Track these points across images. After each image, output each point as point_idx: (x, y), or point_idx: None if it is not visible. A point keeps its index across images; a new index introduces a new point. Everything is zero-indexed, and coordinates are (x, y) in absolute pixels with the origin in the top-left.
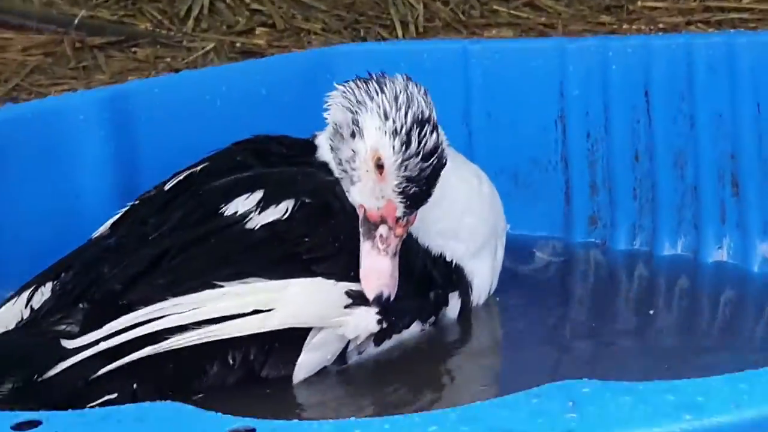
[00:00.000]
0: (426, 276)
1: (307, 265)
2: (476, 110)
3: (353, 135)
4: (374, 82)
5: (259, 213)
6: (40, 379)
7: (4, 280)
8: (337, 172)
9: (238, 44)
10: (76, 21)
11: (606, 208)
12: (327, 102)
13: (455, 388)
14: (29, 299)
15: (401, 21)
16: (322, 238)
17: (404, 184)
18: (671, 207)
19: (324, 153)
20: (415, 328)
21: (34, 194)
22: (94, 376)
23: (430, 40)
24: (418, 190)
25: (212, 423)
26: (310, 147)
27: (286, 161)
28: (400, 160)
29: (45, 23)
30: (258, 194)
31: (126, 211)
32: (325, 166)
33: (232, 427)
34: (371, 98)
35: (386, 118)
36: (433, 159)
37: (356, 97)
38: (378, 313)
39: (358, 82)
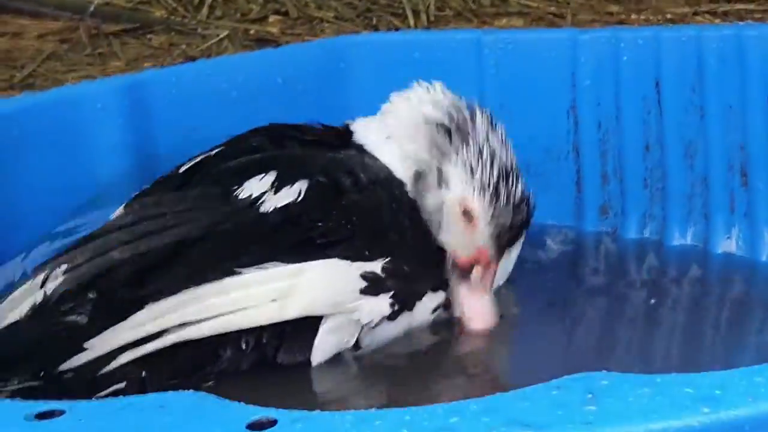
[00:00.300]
0: (439, 253)
1: (322, 248)
2: (489, 100)
3: (440, 184)
4: (457, 132)
5: (274, 193)
6: (52, 373)
7: (24, 267)
8: (424, 215)
9: (252, 32)
10: (91, 8)
11: (617, 197)
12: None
13: (469, 377)
14: (43, 282)
15: (413, 10)
16: (335, 220)
17: (496, 235)
18: (681, 196)
19: (361, 137)
20: (427, 308)
21: (52, 183)
22: (109, 368)
23: (444, 31)
24: (510, 236)
25: (234, 413)
26: (338, 134)
27: (301, 146)
28: (490, 214)
29: (60, 10)
30: (271, 175)
31: (140, 194)
32: (360, 148)
33: (255, 417)
34: (457, 153)
35: (473, 173)
36: (522, 207)
37: (441, 147)
38: (391, 297)
39: (440, 126)
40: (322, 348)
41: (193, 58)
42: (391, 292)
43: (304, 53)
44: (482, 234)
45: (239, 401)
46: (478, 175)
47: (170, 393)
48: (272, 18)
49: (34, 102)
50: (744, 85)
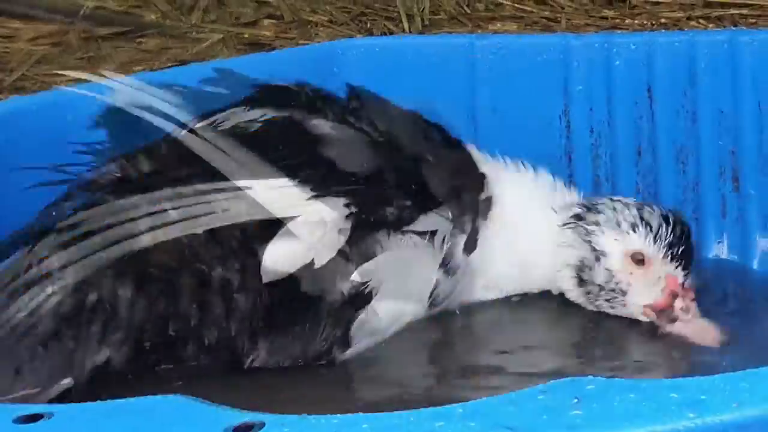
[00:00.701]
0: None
1: None
2: (482, 105)
3: (598, 259)
4: (589, 214)
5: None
6: None
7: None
8: (604, 306)
9: (245, 35)
10: (83, 11)
11: None
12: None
13: (459, 380)
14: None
15: (407, 14)
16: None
17: (672, 251)
18: (673, 201)
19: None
20: (416, 305)
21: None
22: None
23: (437, 35)
24: (685, 246)
25: (221, 417)
26: None
27: None
28: (652, 237)
29: (53, 13)
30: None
31: None
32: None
33: (241, 420)
34: (597, 224)
35: (618, 224)
36: (670, 217)
37: (583, 233)
38: (345, 204)
39: (574, 223)
40: (280, 255)
41: (185, 62)
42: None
43: (297, 57)
44: (660, 264)
45: (224, 405)
46: (621, 220)
47: (154, 398)
48: (266, 22)
49: (24, 104)
50: (735, 91)
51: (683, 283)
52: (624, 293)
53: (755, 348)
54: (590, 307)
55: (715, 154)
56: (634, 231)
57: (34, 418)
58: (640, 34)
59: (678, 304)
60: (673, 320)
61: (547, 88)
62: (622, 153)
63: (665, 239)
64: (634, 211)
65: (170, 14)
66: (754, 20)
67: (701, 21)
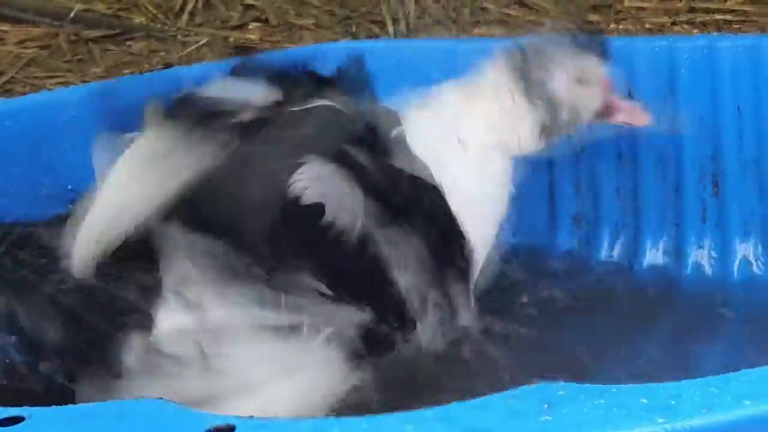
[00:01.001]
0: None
1: None
2: None
3: (555, 101)
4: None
5: None
6: None
7: None
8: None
9: (231, 39)
10: (71, 14)
11: (589, 207)
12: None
13: (435, 386)
14: None
15: (392, 18)
16: None
17: (597, 53)
18: (653, 206)
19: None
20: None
21: (29, 190)
22: None
23: (421, 39)
24: (601, 40)
25: (194, 420)
26: None
27: None
28: (582, 56)
29: (41, 16)
30: None
31: None
32: None
33: (213, 424)
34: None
35: (557, 66)
36: (581, 29)
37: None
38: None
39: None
40: None
41: (172, 65)
42: None
43: (282, 60)
44: (596, 72)
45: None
46: (560, 58)
47: (129, 401)
48: (252, 25)
49: (10, 107)
50: (715, 96)
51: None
52: (578, 114)
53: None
54: (541, 145)
55: (696, 160)
56: (571, 59)
57: (13, 420)
58: (621, 39)
59: (610, 96)
60: (613, 112)
61: None
62: (602, 158)
63: (591, 47)
64: (554, 45)
65: (158, 17)
66: (738, 26)
67: (685, 26)
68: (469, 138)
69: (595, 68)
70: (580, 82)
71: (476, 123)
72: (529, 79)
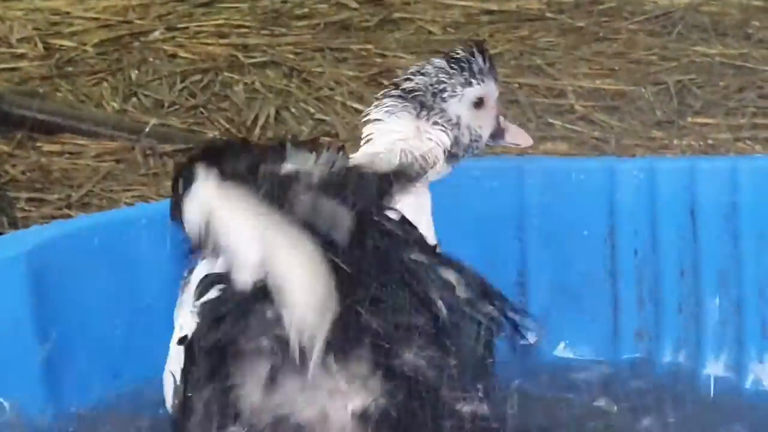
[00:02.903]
0: None
1: None
2: (529, 226)
3: (458, 126)
4: (426, 98)
5: None
6: None
7: (79, 392)
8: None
9: None
10: (147, 129)
11: (652, 322)
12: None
13: None
14: None
15: None
16: None
17: (492, 76)
18: (715, 323)
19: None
20: None
21: (106, 306)
22: None
23: (486, 158)
24: (492, 64)
25: None
26: None
27: None
28: (478, 80)
29: (117, 131)
30: None
31: None
32: None
33: None
34: (444, 100)
35: (454, 92)
36: (483, 46)
37: (435, 116)
38: None
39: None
40: None
41: None
42: None
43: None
44: (492, 95)
45: None
46: (453, 82)
47: None
48: (322, 140)
49: (89, 223)
50: None
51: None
52: (480, 137)
53: None
54: (449, 171)
55: (757, 276)
56: (470, 84)
57: None
58: (684, 159)
59: (501, 119)
60: (502, 135)
61: (592, 210)
62: (665, 274)
63: (488, 72)
64: (459, 65)
65: (230, 131)
66: None
67: (748, 142)
68: None
69: (490, 92)
70: (477, 106)
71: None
72: (428, 109)
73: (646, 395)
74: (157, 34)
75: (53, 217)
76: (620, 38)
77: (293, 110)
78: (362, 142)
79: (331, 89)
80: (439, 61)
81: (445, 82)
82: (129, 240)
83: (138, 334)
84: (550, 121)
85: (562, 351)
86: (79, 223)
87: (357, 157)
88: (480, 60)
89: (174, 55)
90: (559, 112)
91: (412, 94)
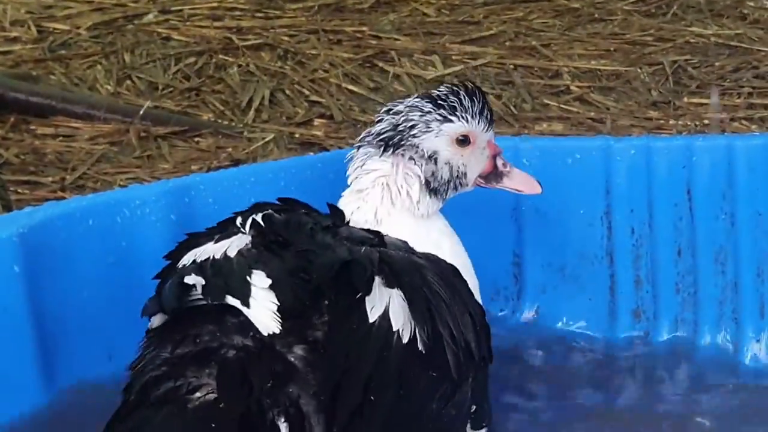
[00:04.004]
0: None
1: None
2: (525, 205)
3: (435, 161)
4: (398, 134)
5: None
6: None
7: (73, 373)
8: (450, 195)
9: (297, 135)
10: (141, 111)
11: (649, 301)
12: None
13: None
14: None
15: None
16: None
17: (480, 119)
18: (712, 302)
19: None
20: None
21: (99, 284)
22: None
23: None
24: (488, 108)
25: None
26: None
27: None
28: (460, 116)
29: (111, 113)
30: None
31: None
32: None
33: None
34: (414, 136)
35: (428, 127)
36: (473, 90)
37: (408, 152)
38: None
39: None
40: None
41: (239, 161)
42: None
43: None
44: (481, 135)
45: None
46: (429, 118)
47: None
48: (317, 122)
49: (83, 204)
50: None
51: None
52: (465, 175)
53: None
54: (439, 205)
55: (754, 255)
56: (448, 120)
57: None
58: (680, 138)
59: (499, 162)
60: (500, 178)
61: (588, 189)
62: (662, 253)
63: (475, 111)
64: (433, 104)
65: (225, 114)
66: None
67: (744, 122)
68: (380, 215)
69: (477, 131)
70: (461, 144)
71: (379, 201)
72: (394, 146)
73: (643, 372)
74: (150, 17)
75: (47, 200)
76: (615, 19)
77: (288, 92)
78: (349, 181)
79: (326, 71)
80: (414, 100)
81: (415, 119)
82: (123, 221)
83: (132, 315)
84: (546, 101)
85: (558, 329)
86: (73, 204)
87: (346, 195)
88: (467, 100)
89: (168, 38)
90: (555, 92)
91: (379, 137)
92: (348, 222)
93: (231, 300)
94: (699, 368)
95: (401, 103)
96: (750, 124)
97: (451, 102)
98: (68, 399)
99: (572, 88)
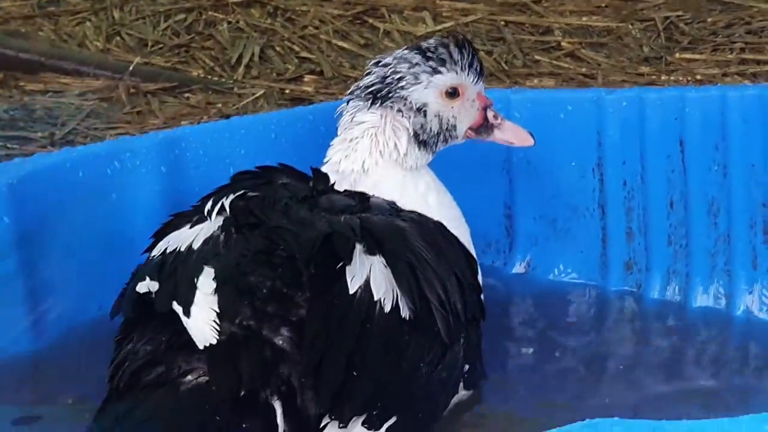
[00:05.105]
0: None
1: None
2: (516, 157)
3: (424, 113)
4: (386, 86)
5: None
6: None
7: (63, 324)
8: (440, 147)
9: (287, 91)
10: (131, 67)
11: (641, 254)
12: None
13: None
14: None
15: None
16: None
17: (470, 71)
18: (704, 253)
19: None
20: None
21: (89, 235)
22: None
23: None
24: (478, 60)
25: None
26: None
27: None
28: (450, 68)
29: (101, 69)
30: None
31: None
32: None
33: None
34: (403, 88)
35: (417, 79)
36: (455, 40)
37: (397, 104)
38: None
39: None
40: None
41: (229, 117)
42: None
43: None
44: (470, 87)
45: None
46: (418, 70)
47: None
48: (307, 77)
49: (73, 156)
50: (766, 144)
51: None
52: (455, 127)
53: None
54: (429, 158)
55: (746, 207)
56: (438, 72)
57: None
58: (673, 89)
59: (490, 114)
60: (491, 130)
61: (580, 141)
62: (654, 205)
63: (464, 63)
64: (422, 56)
65: (215, 70)
66: None
67: (736, 77)
68: (367, 165)
69: (467, 84)
70: (450, 96)
71: (367, 152)
72: (382, 99)
73: (635, 324)
74: None
75: None
76: None
77: (278, 49)
78: (339, 131)
79: (316, 27)
80: (403, 52)
81: (402, 71)
82: (113, 173)
83: (121, 265)
84: (537, 58)
85: (550, 281)
86: (63, 156)
87: (335, 143)
88: (456, 52)
89: None
90: (546, 49)
91: (368, 89)
92: (333, 185)
93: (176, 306)
94: (691, 320)
95: (390, 55)
96: (743, 79)
97: (441, 54)
98: (58, 346)
99: (563, 44)
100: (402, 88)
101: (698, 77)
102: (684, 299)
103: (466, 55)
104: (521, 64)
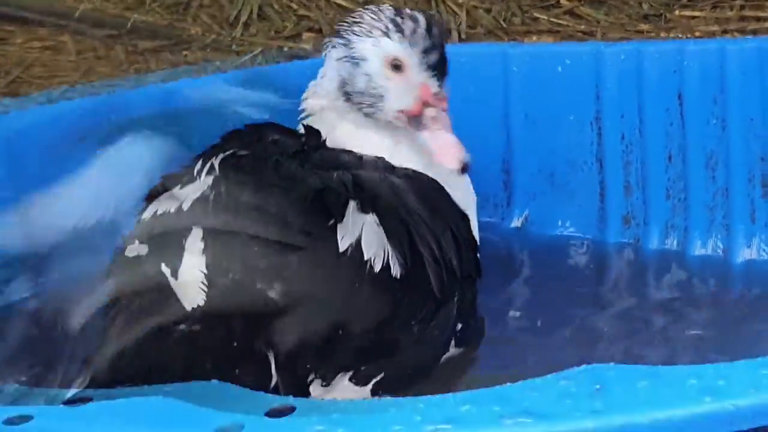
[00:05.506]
0: None
1: None
2: (514, 111)
3: (358, 65)
4: (347, 28)
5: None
6: None
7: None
8: (367, 111)
9: (285, 49)
10: (128, 24)
11: (639, 208)
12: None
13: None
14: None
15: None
16: None
17: (425, 59)
18: (703, 207)
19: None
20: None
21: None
22: None
23: (471, 44)
24: (438, 55)
25: (202, 419)
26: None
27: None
28: (407, 43)
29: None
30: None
31: None
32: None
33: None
34: (355, 33)
35: (369, 33)
36: (432, 23)
37: (344, 46)
38: None
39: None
40: None
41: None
42: None
43: None
44: (416, 72)
45: None
46: (377, 26)
47: (139, 399)
48: (305, 35)
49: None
50: (765, 97)
51: (437, 93)
52: (381, 98)
53: None
54: (356, 117)
55: (745, 161)
56: (390, 37)
57: (24, 419)
58: (671, 42)
59: (429, 113)
60: (422, 128)
61: (578, 95)
62: (652, 159)
63: (421, 46)
64: (391, 17)
65: (213, 28)
66: None
67: (736, 34)
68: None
69: (412, 63)
70: (393, 68)
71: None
72: (342, 36)
73: (633, 278)
74: None
75: None
76: None
77: (276, 6)
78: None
79: None
80: (383, 5)
81: (365, 20)
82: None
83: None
84: (536, 15)
85: (548, 235)
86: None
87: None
88: (422, 33)
89: None
90: (545, 6)
91: (337, 31)
92: (325, 141)
93: (164, 269)
94: (689, 274)
95: (372, 8)
96: (743, 36)
97: (407, 25)
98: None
99: (562, 1)
100: (353, 32)
101: (697, 34)
102: (682, 253)
103: (429, 41)
104: (520, 22)
